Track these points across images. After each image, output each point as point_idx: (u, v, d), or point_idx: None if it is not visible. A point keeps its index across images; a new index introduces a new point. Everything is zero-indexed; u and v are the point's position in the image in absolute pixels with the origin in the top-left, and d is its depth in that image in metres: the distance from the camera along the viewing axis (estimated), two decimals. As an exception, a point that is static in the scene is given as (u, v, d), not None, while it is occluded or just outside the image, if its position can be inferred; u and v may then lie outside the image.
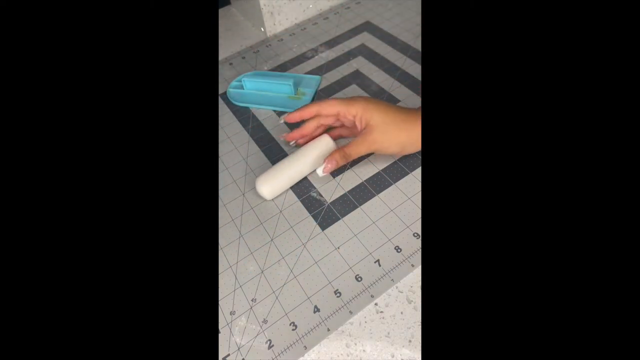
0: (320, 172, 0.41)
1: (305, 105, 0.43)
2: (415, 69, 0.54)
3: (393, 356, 0.31)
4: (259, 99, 0.54)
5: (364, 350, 0.32)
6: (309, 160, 0.42)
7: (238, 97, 0.55)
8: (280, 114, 0.52)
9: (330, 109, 0.42)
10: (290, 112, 0.44)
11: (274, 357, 0.32)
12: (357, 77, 0.55)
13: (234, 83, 0.56)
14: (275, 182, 0.41)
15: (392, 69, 0.55)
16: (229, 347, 0.33)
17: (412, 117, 0.40)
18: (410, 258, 0.36)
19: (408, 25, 0.61)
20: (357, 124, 0.41)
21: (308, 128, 0.44)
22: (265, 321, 0.34)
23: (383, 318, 0.33)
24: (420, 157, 0.44)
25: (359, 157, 0.44)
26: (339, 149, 0.41)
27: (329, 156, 0.41)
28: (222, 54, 0.63)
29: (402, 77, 0.53)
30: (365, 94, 0.52)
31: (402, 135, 0.40)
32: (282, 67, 0.58)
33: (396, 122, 0.40)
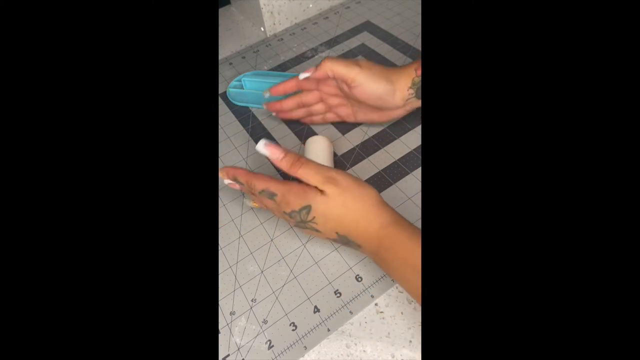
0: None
1: (291, 79, 0.45)
2: (415, 69, 0.54)
3: (393, 356, 0.31)
4: (259, 98, 0.54)
5: (364, 351, 0.32)
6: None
7: (238, 96, 0.55)
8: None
9: (319, 73, 0.42)
10: (275, 85, 0.46)
11: (274, 357, 0.32)
12: (357, 77, 0.55)
13: (233, 83, 0.56)
14: None
15: (392, 69, 0.54)
16: (229, 347, 0.33)
17: (398, 70, 0.41)
18: (410, 258, 0.36)
19: (408, 25, 0.61)
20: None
21: (288, 103, 0.46)
22: (265, 321, 0.34)
23: (383, 318, 0.33)
24: (420, 156, 0.44)
25: (358, 157, 0.44)
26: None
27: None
28: (222, 53, 0.63)
29: (402, 77, 0.53)
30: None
31: (382, 82, 0.40)
32: (282, 67, 0.58)
33: (381, 70, 0.41)
